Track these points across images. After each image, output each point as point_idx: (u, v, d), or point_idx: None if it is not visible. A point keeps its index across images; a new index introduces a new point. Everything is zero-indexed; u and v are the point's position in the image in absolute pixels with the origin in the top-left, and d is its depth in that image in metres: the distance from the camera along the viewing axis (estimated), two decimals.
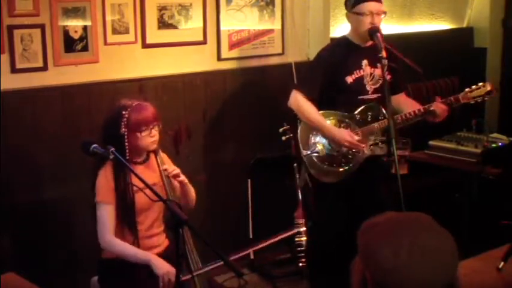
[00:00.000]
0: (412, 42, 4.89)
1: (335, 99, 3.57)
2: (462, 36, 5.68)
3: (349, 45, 3.57)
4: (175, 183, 3.04)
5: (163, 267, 2.79)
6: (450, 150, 4.23)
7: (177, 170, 3.02)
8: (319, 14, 4.54)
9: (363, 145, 3.51)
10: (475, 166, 4.03)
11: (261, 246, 2.85)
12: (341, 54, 3.55)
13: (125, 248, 2.90)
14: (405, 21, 5.27)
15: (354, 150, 3.52)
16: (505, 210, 4.10)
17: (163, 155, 3.10)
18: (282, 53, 4.48)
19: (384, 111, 3.48)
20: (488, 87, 3.55)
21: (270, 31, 4.41)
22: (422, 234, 1.37)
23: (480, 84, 3.58)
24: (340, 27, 4.71)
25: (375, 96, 3.57)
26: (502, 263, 2.74)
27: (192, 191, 3.12)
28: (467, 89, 3.56)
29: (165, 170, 2.99)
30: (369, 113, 3.57)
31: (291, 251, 4.05)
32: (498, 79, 5.68)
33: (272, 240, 2.77)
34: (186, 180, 3.06)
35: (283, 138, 3.98)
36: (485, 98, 3.59)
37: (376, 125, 3.53)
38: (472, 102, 3.56)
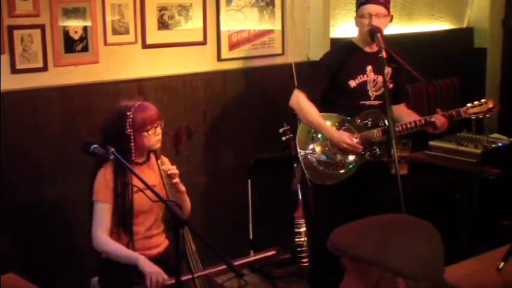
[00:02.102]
0: (412, 42, 4.90)
1: (336, 101, 3.58)
2: (462, 37, 5.68)
3: (355, 50, 3.58)
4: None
5: (151, 267, 2.77)
6: (450, 150, 4.24)
7: (175, 170, 3.01)
8: (319, 14, 4.54)
9: (361, 147, 3.51)
10: (475, 166, 4.03)
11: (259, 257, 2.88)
12: (346, 57, 3.55)
13: (116, 248, 2.88)
14: (405, 21, 5.27)
15: (351, 152, 3.52)
16: (505, 210, 4.10)
17: (164, 159, 3.10)
18: (282, 54, 4.48)
19: (385, 119, 3.48)
20: (490, 105, 3.59)
21: (270, 31, 4.41)
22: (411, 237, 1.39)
23: (482, 100, 3.61)
24: (340, 28, 4.72)
25: (376, 102, 3.57)
26: (502, 263, 2.74)
27: (187, 202, 3.11)
28: (469, 104, 3.59)
29: (164, 170, 2.98)
30: (370, 119, 3.57)
31: (291, 251, 4.05)
32: (498, 79, 5.69)
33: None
34: (183, 189, 3.05)
35: (283, 138, 3.98)
36: (487, 115, 3.62)
37: (375, 131, 3.53)
38: (473, 117, 3.60)
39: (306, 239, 3.88)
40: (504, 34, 5.73)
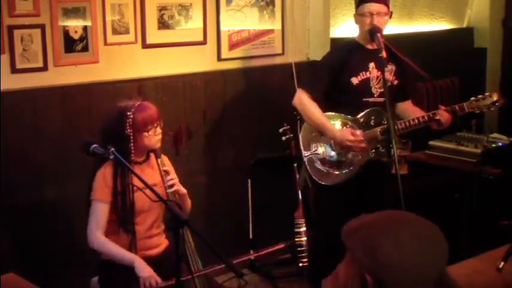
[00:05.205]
0: (412, 42, 4.89)
1: (340, 99, 3.57)
2: (462, 36, 5.68)
3: (357, 47, 3.57)
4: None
5: (146, 271, 2.78)
6: (450, 150, 4.24)
7: (173, 181, 3.00)
8: (319, 14, 4.54)
9: (364, 144, 3.50)
10: (475, 166, 4.03)
11: (262, 253, 2.88)
12: (348, 55, 3.54)
13: (112, 248, 2.89)
14: (405, 21, 5.27)
15: (355, 149, 3.51)
16: (505, 210, 4.10)
17: (164, 158, 3.09)
18: (282, 53, 4.48)
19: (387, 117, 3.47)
20: (495, 97, 3.51)
21: (270, 31, 4.41)
22: (416, 226, 1.39)
23: (486, 94, 3.54)
24: (340, 27, 4.71)
25: (381, 99, 3.54)
26: (502, 263, 2.74)
27: (188, 203, 3.10)
28: (472, 98, 3.52)
29: (165, 171, 2.98)
30: (372, 117, 3.56)
31: (291, 251, 4.05)
32: (498, 79, 5.68)
33: (274, 248, 2.81)
34: (184, 191, 3.05)
35: (283, 138, 3.98)
36: (491, 109, 3.55)
37: (378, 129, 3.52)
38: (478, 111, 3.54)
39: (306, 239, 3.88)
40: (504, 34, 5.72)
